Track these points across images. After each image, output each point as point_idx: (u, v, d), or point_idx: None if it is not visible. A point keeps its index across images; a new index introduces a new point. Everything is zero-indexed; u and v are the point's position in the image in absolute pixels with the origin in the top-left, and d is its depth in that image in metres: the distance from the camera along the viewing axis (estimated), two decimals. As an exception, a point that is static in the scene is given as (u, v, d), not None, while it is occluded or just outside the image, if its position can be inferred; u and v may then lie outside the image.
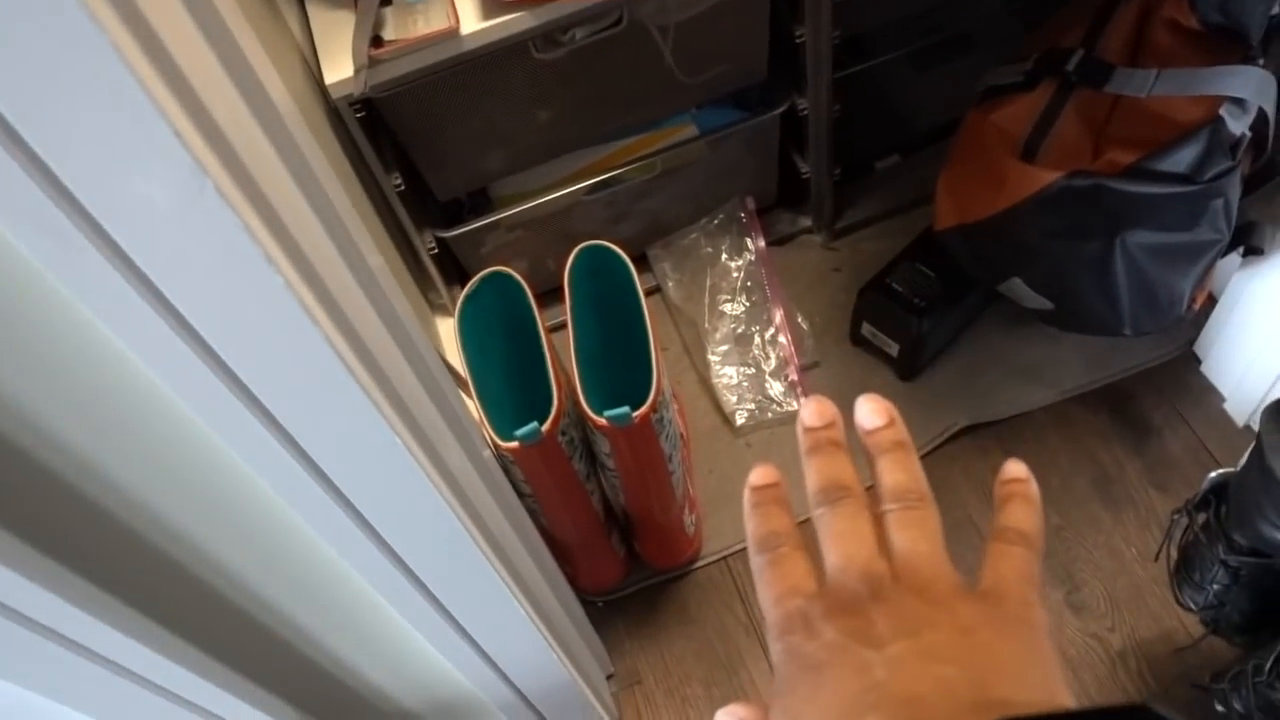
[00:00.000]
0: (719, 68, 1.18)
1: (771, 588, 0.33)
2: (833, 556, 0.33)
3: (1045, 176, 0.98)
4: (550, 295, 1.14)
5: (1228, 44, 0.95)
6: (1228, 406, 1.19)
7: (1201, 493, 0.83)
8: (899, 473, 0.34)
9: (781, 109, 1.24)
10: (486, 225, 1.23)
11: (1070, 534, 1.16)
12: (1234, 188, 0.93)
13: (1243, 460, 0.79)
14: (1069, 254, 1.03)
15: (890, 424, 0.36)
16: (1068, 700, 0.29)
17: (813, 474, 0.35)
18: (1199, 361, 1.23)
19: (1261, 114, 0.93)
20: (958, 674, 0.28)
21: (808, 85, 1.19)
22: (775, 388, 1.29)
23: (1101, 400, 1.24)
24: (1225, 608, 0.90)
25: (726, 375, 1.31)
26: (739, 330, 1.33)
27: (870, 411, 0.36)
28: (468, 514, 0.63)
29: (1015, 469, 0.36)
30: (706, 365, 1.31)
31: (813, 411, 0.36)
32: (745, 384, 1.30)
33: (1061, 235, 1.02)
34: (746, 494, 0.36)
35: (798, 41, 1.14)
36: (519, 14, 0.96)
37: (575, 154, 1.23)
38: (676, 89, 1.18)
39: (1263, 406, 0.90)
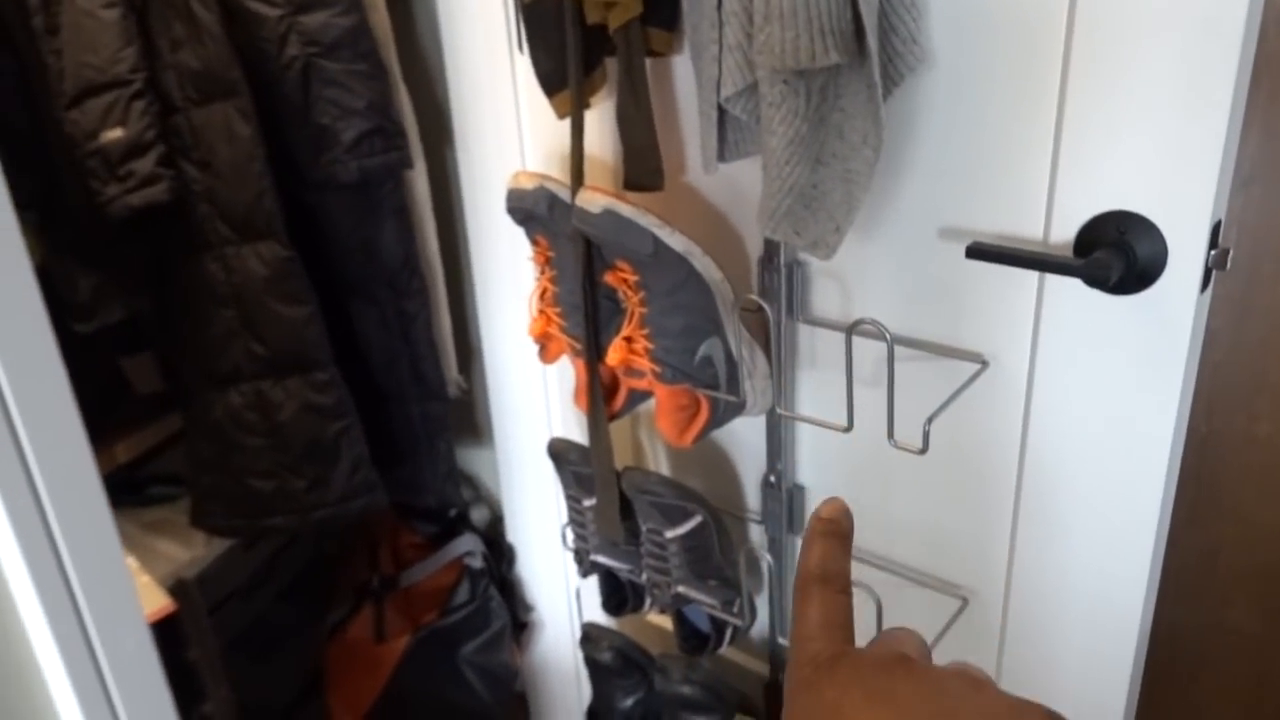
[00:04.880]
0: None
1: (804, 622, 0.34)
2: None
3: (401, 643, 1.55)
4: None
5: (443, 535, 1.68)
6: None
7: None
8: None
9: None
10: None
11: None
12: (494, 594, 1.62)
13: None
14: (436, 683, 1.58)
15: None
16: None
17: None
18: None
19: (485, 551, 1.66)
20: None
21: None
22: None
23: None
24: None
25: None
26: None
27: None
28: None
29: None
30: None
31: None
32: None
33: (426, 673, 1.57)
34: (813, 522, 0.37)
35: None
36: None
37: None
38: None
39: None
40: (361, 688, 1.58)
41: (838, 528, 0.37)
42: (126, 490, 1.56)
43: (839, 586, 0.35)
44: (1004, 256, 0.91)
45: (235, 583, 1.62)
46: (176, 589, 1.45)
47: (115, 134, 1.15)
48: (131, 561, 1.43)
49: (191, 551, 1.49)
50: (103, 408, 1.54)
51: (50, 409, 0.89)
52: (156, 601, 1.37)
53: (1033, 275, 0.95)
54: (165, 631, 1.48)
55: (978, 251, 0.91)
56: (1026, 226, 0.93)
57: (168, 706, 1.07)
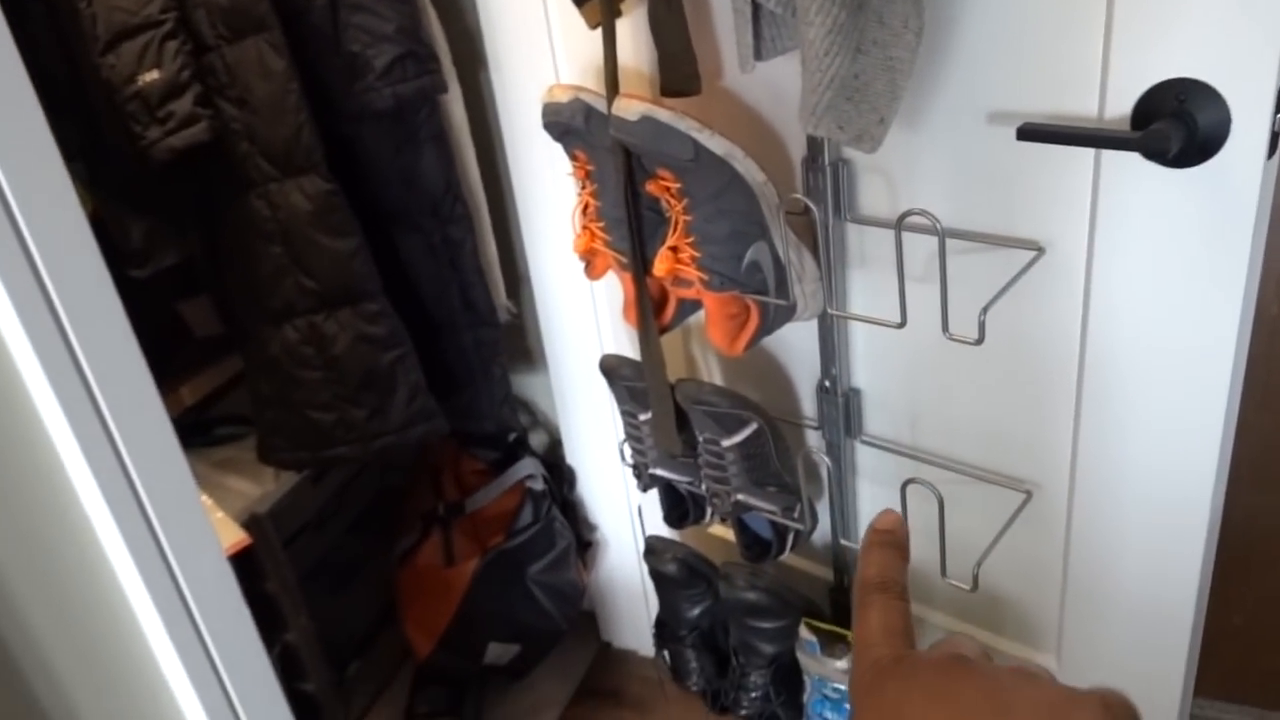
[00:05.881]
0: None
1: (865, 628, 0.36)
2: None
3: (470, 565, 1.58)
4: None
5: (504, 460, 1.71)
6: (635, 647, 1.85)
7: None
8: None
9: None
10: None
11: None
12: (557, 514, 1.65)
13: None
14: (506, 603, 1.62)
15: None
16: None
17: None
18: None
19: (546, 474, 1.68)
20: None
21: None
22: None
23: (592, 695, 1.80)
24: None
25: None
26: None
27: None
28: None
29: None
30: None
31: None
32: None
33: (496, 593, 1.61)
34: (868, 533, 0.39)
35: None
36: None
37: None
38: None
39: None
40: (435, 611, 1.63)
41: (893, 538, 0.38)
42: (195, 432, 1.60)
43: (897, 593, 0.37)
44: (1058, 135, 0.87)
45: (306, 516, 1.65)
46: (250, 523, 1.49)
47: (152, 76, 1.15)
48: (206, 499, 1.47)
49: (262, 487, 1.53)
50: (165, 352, 1.57)
51: (115, 355, 0.91)
52: (233, 536, 1.41)
53: (1088, 154, 0.91)
54: (243, 566, 1.53)
55: (1030, 133, 0.88)
56: (1080, 103, 0.89)
57: (252, 635, 1.11)
